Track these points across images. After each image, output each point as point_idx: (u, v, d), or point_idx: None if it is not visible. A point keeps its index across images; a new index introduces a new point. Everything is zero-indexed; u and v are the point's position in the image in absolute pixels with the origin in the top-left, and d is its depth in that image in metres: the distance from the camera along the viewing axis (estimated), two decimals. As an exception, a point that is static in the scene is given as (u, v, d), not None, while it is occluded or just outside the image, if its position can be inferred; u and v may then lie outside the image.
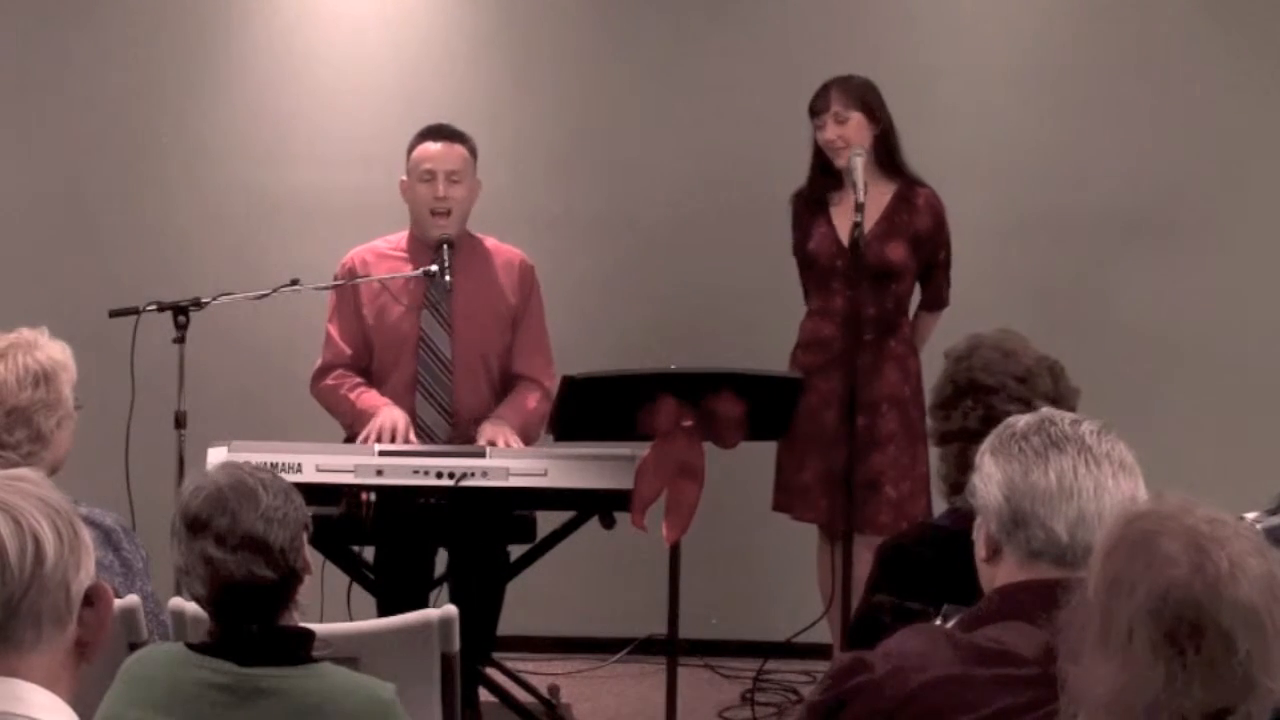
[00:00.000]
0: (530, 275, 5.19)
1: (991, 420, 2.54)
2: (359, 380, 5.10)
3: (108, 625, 2.01)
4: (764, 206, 5.49)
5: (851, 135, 5.16)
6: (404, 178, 5.14)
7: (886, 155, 5.23)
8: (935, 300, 5.37)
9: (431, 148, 5.09)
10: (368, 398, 5.04)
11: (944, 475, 3.35)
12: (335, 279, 5.13)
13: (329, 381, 5.11)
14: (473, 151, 5.12)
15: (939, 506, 4.87)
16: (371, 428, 4.90)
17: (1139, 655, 1.86)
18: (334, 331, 5.14)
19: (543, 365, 5.14)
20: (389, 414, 4.94)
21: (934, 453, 3.42)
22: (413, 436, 4.92)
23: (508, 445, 4.88)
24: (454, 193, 5.06)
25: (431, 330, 5.08)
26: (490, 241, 5.21)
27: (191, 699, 2.75)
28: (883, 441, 5.19)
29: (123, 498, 4.63)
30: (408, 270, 5.06)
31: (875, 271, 5.14)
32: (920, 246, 5.26)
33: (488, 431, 4.95)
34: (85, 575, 1.98)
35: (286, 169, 6.01)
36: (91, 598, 1.99)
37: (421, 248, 5.10)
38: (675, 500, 4.71)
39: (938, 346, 4.89)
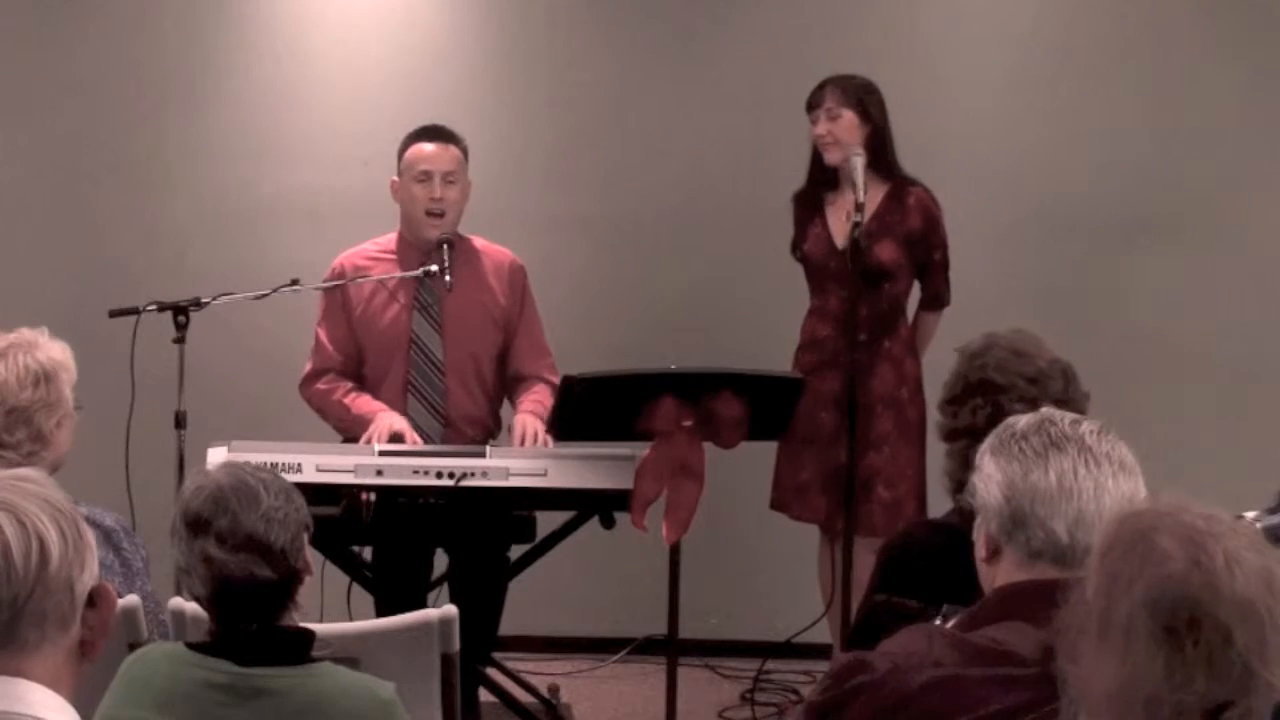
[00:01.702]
0: (520, 276, 5.18)
1: (999, 419, 2.53)
2: (351, 385, 5.09)
3: (110, 625, 2.02)
4: (764, 207, 5.49)
5: (841, 133, 5.16)
6: (395, 178, 5.13)
7: (878, 156, 5.22)
8: (934, 300, 5.37)
9: (427, 149, 5.07)
10: (362, 403, 5.03)
11: (949, 472, 3.35)
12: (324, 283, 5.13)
13: (320, 386, 5.10)
14: (465, 152, 5.11)
15: (933, 509, 4.90)
16: (371, 434, 4.90)
17: (1138, 650, 1.87)
18: (323, 335, 5.13)
19: (548, 365, 5.14)
20: (386, 419, 4.93)
21: (940, 449, 3.42)
22: (416, 438, 4.92)
23: (542, 440, 4.86)
24: (449, 194, 5.04)
25: (423, 332, 5.08)
26: (479, 241, 5.19)
27: (191, 699, 2.75)
28: (876, 443, 5.19)
29: (123, 498, 4.63)
30: (397, 272, 5.06)
31: (866, 272, 5.14)
32: (913, 246, 5.26)
33: (523, 424, 4.92)
34: (89, 576, 1.98)
35: (286, 169, 6.01)
36: (94, 598, 1.99)
37: (410, 249, 5.09)
38: (675, 500, 4.70)
39: (941, 346, 4.93)
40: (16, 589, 1.92)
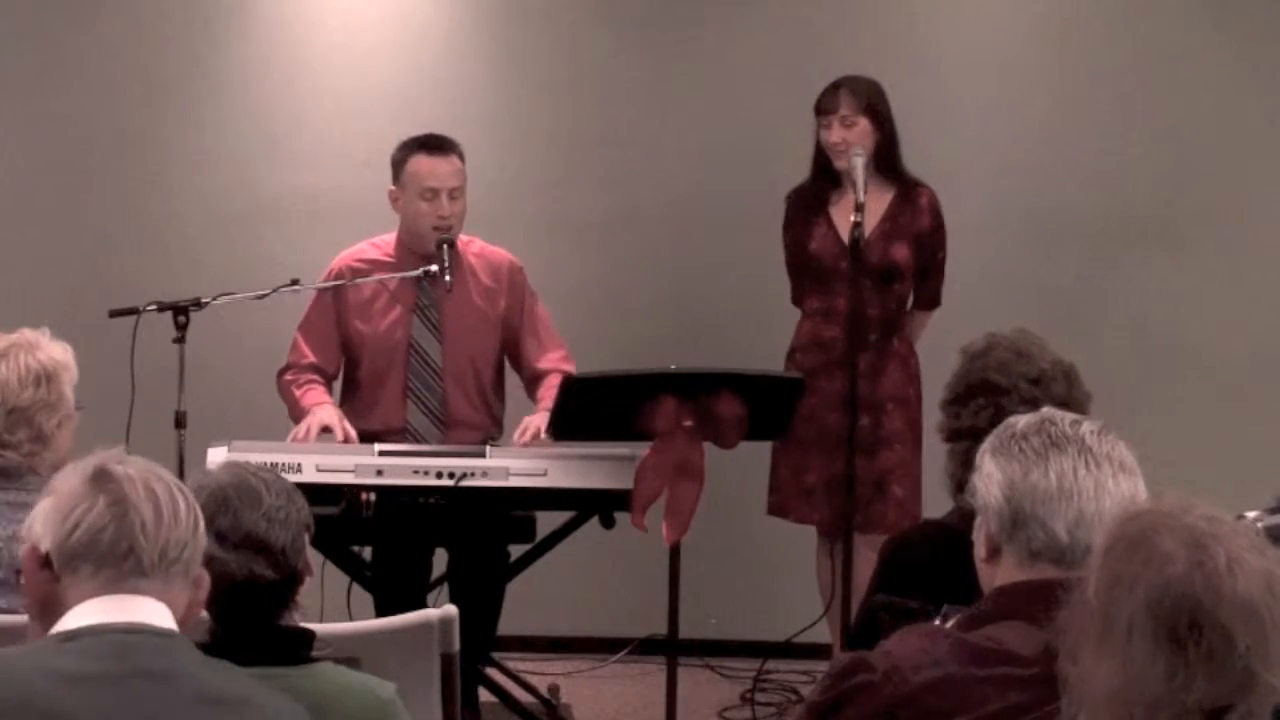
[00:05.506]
0: (519, 278, 5.17)
1: (1001, 420, 2.53)
2: (312, 376, 5.09)
3: (204, 600, 2.35)
4: (764, 206, 5.49)
5: (855, 140, 5.16)
6: (393, 187, 5.10)
7: (887, 159, 5.23)
8: (931, 299, 5.38)
9: (430, 163, 5.02)
10: (311, 395, 5.03)
11: (951, 473, 3.35)
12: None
13: (287, 377, 5.13)
14: (462, 157, 5.09)
15: (930, 509, 4.90)
16: (299, 431, 4.90)
17: (1139, 652, 1.87)
18: (300, 336, 5.13)
19: (562, 357, 5.13)
20: (319, 414, 4.92)
21: (942, 449, 3.42)
22: (349, 427, 4.90)
23: (533, 434, 4.87)
24: (456, 209, 5.02)
25: (421, 337, 5.07)
26: (477, 245, 5.18)
27: (192, 699, 2.75)
28: (889, 441, 5.20)
29: (123, 498, 4.62)
30: (395, 274, 5.05)
31: (881, 272, 5.15)
32: (921, 246, 5.27)
33: (527, 421, 4.94)
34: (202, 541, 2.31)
35: (286, 170, 6.01)
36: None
37: (409, 255, 5.07)
38: (675, 500, 4.71)
39: (941, 346, 4.93)
40: (184, 536, 2.25)
